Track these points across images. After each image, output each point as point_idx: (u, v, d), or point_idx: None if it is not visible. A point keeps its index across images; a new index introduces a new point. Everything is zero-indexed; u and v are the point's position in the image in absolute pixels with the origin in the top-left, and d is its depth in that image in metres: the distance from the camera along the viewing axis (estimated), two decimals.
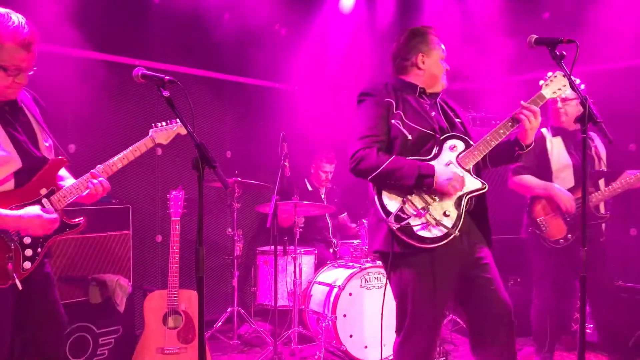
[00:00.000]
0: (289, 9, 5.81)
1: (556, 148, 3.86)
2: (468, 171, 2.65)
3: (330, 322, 4.22)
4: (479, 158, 2.65)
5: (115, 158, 2.61)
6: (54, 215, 2.38)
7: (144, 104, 5.05)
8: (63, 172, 2.58)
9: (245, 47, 5.57)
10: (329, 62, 6.16)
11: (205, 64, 5.48)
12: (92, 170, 2.53)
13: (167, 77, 2.18)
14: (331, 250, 5.36)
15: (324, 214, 5.49)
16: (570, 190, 3.78)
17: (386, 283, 2.80)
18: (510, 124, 2.62)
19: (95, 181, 2.49)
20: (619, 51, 4.67)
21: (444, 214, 2.58)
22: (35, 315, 2.45)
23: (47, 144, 2.47)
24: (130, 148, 2.64)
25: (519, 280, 4.85)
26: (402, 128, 2.63)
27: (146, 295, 3.77)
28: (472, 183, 2.64)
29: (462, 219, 2.58)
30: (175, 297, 3.70)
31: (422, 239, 2.55)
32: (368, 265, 4.42)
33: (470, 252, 2.66)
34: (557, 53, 2.39)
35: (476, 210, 2.72)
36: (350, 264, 4.61)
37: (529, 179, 3.86)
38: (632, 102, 4.69)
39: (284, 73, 5.98)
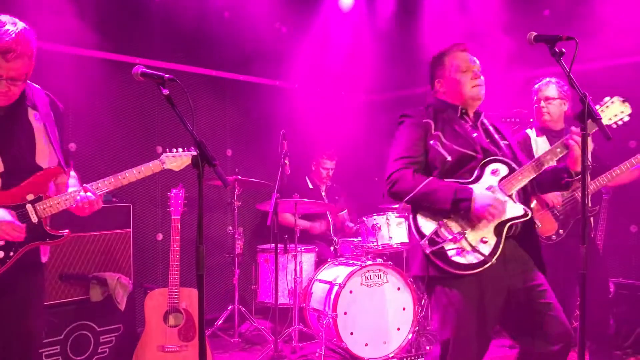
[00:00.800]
0: (289, 7, 5.81)
1: (541, 147, 3.87)
2: (510, 197, 2.54)
3: (330, 320, 4.23)
4: (523, 184, 2.54)
5: (112, 178, 2.55)
6: (19, 224, 2.30)
7: (144, 102, 5.05)
8: (71, 180, 2.54)
9: (246, 45, 5.57)
10: (329, 60, 6.16)
11: (206, 62, 5.48)
12: (84, 185, 2.47)
13: (167, 75, 2.16)
14: (332, 248, 5.36)
15: (324, 211, 5.49)
16: None
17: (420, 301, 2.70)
18: (559, 150, 2.49)
19: (83, 195, 2.43)
20: (619, 48, 4.66)
21: (482, 240, 2.48)
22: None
23: (47, 151, 2.41)
24: (135, 169, 2.60)
25: None
26: (440, 149, 2.57)
27: (147, 294, 3.78)
28: (514, 210, 2.53)
29: (500, 246, 2.48)
30: (175, 295, 3.70)
31: (457, 265, 2.46)
32: (369, 262, 4.42)
33: (522, 280, 2.54)
34: (557, 50, 2.37)
35: (523, 236, 2.61)
36: (351, 261, 4.62)
37: None
38: (633, 99, 4.67)
39: (284, 71, 5.98)
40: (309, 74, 6.11)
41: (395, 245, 4.56)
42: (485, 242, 2.48)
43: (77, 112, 4.59)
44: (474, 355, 2.53)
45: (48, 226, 2.43)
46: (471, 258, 2.46)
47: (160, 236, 5.14)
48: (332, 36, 6.19)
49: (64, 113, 2.60)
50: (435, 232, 2.51)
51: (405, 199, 2.56)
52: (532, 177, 2.55)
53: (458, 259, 2.47)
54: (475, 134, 2.65)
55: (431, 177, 2.55)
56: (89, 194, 2.44)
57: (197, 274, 2.07)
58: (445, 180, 2.55)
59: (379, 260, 4.53)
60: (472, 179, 2.56)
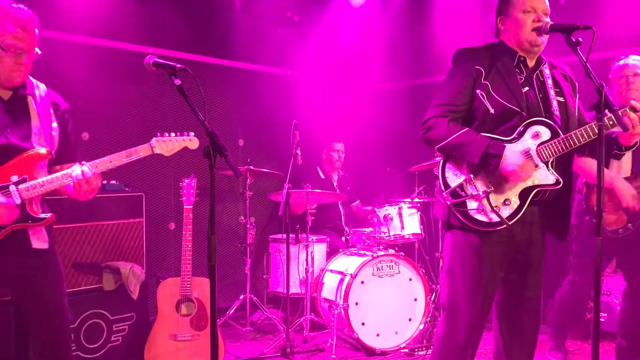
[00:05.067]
0: None
1: None
2: (547, 163, 2.49)
3: (342, 310, 4.23)
4: (563, 152, 2.46)
5: (99, 161, 2.48)
6: (3, 200, 2.33)
7: (156, 91, 5.05)
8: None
9: (257, 34, 5.55)
10: (341, 49, 6.12)
11: (217, 51, 5.47)
12: (82, 162, 2.44)
13: (178, 65, 2.17)
14: (343, 239, 5.36)
15: (336, 202, 5.48)
16: (627, 179, 3.53)
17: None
18: (611, 122, 2.36)
19: (79, 173, 2.39)
20: (636, 37, 4.59)
21: (504, 202, 2.48)
22: (31, 310, 2.45)
23: (41, 140, 2.45)
24: (124, 153, 2.52)
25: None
26: (485, 100, 2.49)
27: (159, 283, 3.79)
28: (545, 177, 2.49)
29: (522, 211, 2.47)
30: (188, 284, 3.72)
31: (475, 221, 2.49)
32: (380, 253, 4.42)
33: (528, 248, 2.59)
34: (573, 39, 2.32)
35: (555, 201, 2.58)
36: (363, 252, 4.61)
37: (593, 165, 3.54)
38: None
39: (296, 60, 5.96)
40: (321, 63, 6.07)
41: (407, 236, 4.55)
42: (507, 205, 2.48)
43: (90, 101, 4.60)
44: (477, 306, 2.56)
45: (34, 208, 2.42)
46: (489, 217, 2.47)
47: (172, 225, 5.16)
48: (344, 25, 6.14)
49: (68, 111, 2.62)
50: (460, 186, 2.51)
51: (436, 147, 2.53)
52: (574, 147, 2.46)
53: (477, 216, 2.49)
54: (526, 88, 2.53)
55: (466, 129, 2.49)
56: (84, 167, 2.40)
57: (209, 264, 2.07)
58: (482, 134, 2.49)
59: (391, 251, 4.52)
60: (511, 137, 2.50)
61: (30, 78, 2.52)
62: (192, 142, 2.63)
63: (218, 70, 5.53)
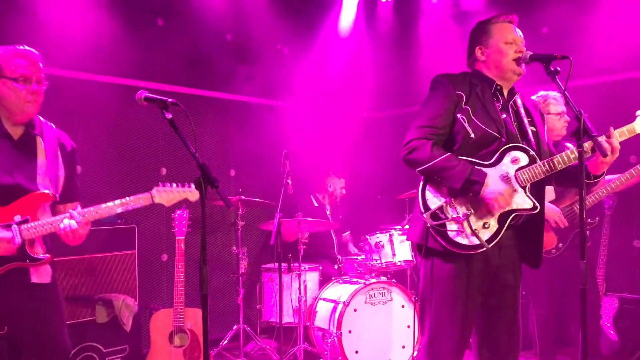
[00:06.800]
0: (290, 29, 5.89)
1: None
2: (524, 188, 2.56)
3: (335, 339, 4.23)
4: (540, 177, 2.53)
5: (100, 207, 2.55)
6: (8, 234, 2.39)
7: (149, 124, 5.11)
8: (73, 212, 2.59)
9: (248, 66, 5.64)
10: (329, 79, 6.22)
11: (209, 84, 5.55)
12: (70, 211, 2.51)
13: (170, 100, 2.21)
14: (336, 267, 5.37)
15: (329, 230, 5.51)
16: (552, 202, 3.80)
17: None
18: (573, 156, 2.47)
19: (66, 223, 2.46)
20: (617, 64, 4.71)
21: (483, 226, 2.51)
22: (28, 342, 2.50)
23: (46, 180, 2.51)
24: (122, 200, 2.58)
25: (523, 293, 4.84)
26: (466, 125, 2.54)
27: (152, 314, 3.80)
28: (523, 201, 2.54)
29: (500, 234, 2.52)
30: (181, 315, 3.72)
31: (454, 244, 2.51)
32: (373, 280, 4.43)
33: (505, 271, 2.62)
34: (552, 69, 2.41)
35: (529, 226, 2.63)
36: (355, 279, 4.63)
37: None
38: (632, 114, 4.70)
39: (286, 91, 6.04)
40: (310, 93, 6.16)
41: (398, 263, 4.57)
42: (486, 228, 2.51)
43: (83, 134, 4.65)
44: (457, 332, 2.57)
45: (33, 248, 2.47)
46: (469, 240, 2.49)
47: (165, 257, 5.17)
48: (332, 56, 6.25)
49: (75, 151, 2.69)
50: (440, 208, 2.53)
51: (418, 169, 2.57)
52: (551, 173, 2.52)
53: (457, 239, 2.50)
54: (504, 115, 2.62)
55: (449, 154, 2.53)
56: (72, 221, 2.47)
57: (201, 294, 2.09)
58: (463, 158, 2.54)
59: (383, 278, 4.54)
60: (490, 162, 2.55)
61: (40, 117, 2.59)
62: (192, 193, 2.68)
63: (210, 102, 5.59)
